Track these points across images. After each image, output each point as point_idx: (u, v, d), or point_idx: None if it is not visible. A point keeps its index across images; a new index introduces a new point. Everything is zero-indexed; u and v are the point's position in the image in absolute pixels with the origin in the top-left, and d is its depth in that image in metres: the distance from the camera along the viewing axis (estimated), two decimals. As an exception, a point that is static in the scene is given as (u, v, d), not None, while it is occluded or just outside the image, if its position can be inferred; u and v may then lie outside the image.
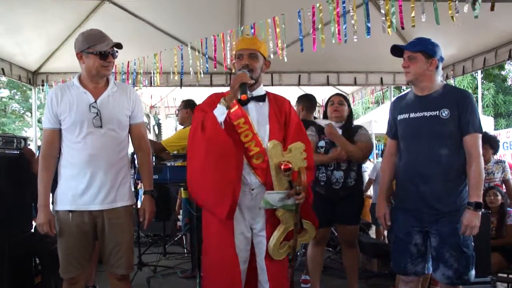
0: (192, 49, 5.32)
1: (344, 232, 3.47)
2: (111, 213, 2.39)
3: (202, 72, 5.45)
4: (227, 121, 2.26)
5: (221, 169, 2.18)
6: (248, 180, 2.33)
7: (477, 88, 16.15)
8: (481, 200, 2.34)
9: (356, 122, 4.76)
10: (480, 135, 2.40)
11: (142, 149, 2.59)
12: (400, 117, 2.57)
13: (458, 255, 2.37)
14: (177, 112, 4.89)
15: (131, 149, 2.66)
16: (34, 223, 3.37)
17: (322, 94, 8.12)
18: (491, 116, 16.88)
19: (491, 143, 4.30)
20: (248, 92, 2.30)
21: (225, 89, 2.32)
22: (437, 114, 2.40)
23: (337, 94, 3.64)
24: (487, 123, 9.94)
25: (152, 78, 5.97)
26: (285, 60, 4.54)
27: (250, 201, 2.32)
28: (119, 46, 2.41)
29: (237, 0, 4.95)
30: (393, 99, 3.63)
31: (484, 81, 18.42)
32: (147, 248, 4.99)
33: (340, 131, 3.35)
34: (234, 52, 2.52)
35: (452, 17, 3.26)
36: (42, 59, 5.90)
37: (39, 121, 9.11)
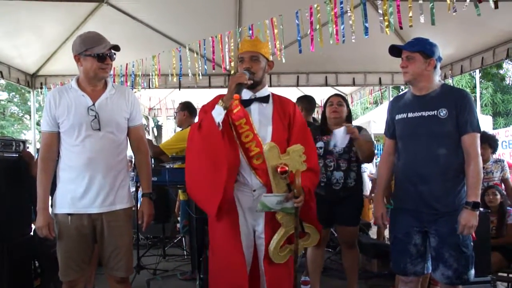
0: (190, 51, 5.33)
1: (344, 233, 3.47)
2: (110, 216, 2.38)
3: (200, 74, 5.46)
4: (226, 121, 2.28)
5: (213, 167, 2.20)
6: (249, 181, 2.33)
7: (475, 87, 16.20)
8: (479, 200, 2.34)
9: (355, 123, 4.76)
10: (478, 135, 2.40)
11: (140, 151, 2.59)
12: (398, 116, 2.57)
13: (458, 255, 2.37)
14: (175, 114, 4.90)
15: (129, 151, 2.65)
16: (33, 226, 3.37)
17: (320, 94, 8.13)
18: (490, 115, 16.89)
19: (490, 143, 4.30)
20: (252, 93, 2.36)
21: (225, 91, 2.31)
22: (435, 113, 2.40)
23: (336, 95, 3.63)
24: (485, 122, 9.94)
25: (150, 80, 5.97)
26: (283, 61, 4.54)
27: (252, 202, 2.32)
28: (116, 48, 2.40)
29: (235, 1, 4.96)
30: (391, 99, 3.64)
31: (482, 80, 18.46)
32: (147, 250, 4.98)
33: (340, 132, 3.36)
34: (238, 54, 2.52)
35: (452, 11, 3.25)
36: (41, 62, 5.90)
37: (38, 124, 9.09)
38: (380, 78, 6.72)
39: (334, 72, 6.64)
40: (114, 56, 2.43)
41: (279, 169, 2.16)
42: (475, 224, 2.31)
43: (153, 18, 5.21)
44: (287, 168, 2.16)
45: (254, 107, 2.38)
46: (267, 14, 4.48)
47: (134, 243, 4.65)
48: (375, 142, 4.02)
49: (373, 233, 6.12)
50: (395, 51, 2.56)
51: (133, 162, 5.78)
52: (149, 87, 6.35)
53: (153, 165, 4.29)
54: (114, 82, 5.30)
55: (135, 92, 6.62)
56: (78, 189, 2.33)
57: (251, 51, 2.37)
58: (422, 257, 2.50)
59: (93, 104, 2.36)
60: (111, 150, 2.40)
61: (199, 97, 7.97)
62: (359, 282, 3.73)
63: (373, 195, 5.74)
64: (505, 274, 3.90)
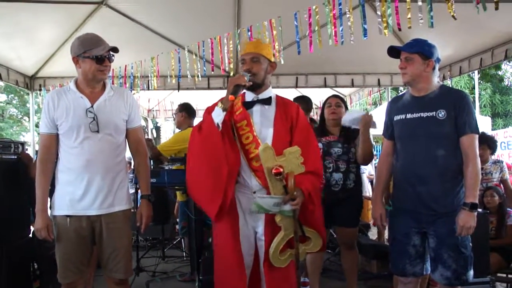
0: (189, 53, 5.33)
1: (343, 234, 3.46)
2: (109, 218, 2.38)
3: (199, 75, 5.46)
4: (228, 123, 2.30)
5: (213, 169, 2.22)
6: (249, 182, 2.34)
7: (474, 88, 16.21)
8: (477, 201, 2.34)
9: (353, 124, 4.75)
10: (477, 136, 2.40)
11: (139, 153, 2.59)
12: (396, 117, 2.58)
13: (456, 256, 2.37)
14: (174, 115, 4.91)
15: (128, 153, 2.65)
16: (32, 228, 3.36)
17: (319, 96, 8.13)
18: (489, 116, 16.92)
19: (489, 143, 4.31)
20: (254, 95, 2.38)
21: (223, 92, 2.31)
22: (434, 115, 2.40)
23: (334, 96, 3.62)
24: (484, 123, 9.96)
25: (149, 81, 5.98)
26: (282, 62, 4.55)
27: (252, 204, 2.32)
28: (115, 50, 2.40)
29: (234, 3, 4.96)
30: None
31: (481, 81, 18.48)
32: (146, 252, 4.97)
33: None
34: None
35: (453, 16, 3.25)
36: (39, 64, 5.90)
37: (37, 125, 9.08)
38: (379, 79, 6.73)
39: (333, 74, 6.65)
40: (113, 58, 2.43)
41: (273, 171, 2.16)
42: (473, 225, 2.31)
43: (152, 20, 5.21)
44: (281, 170, 2.15)
45: (256, 108, 2.39)
46: (265, 15, 4.49)
47: (133, 245, 4.69)
48: (374, 143, 4.02)
49: (372, 234, 6.12)
50: (393, 52, 2.57)
51: (132, 164, 5.78)
52: (148, 89, 6.35)
53: (152, 167, 4.30)
54: (113, 83, 5.33)
55: (134, 93, 6.62)
56: (77, 191, 2.33)
57: (252, 53, 2.38)
58: (421, 258, 2.50)
59: (92, 106, 2.36)
60: (109, 152, 2.39)
61: (198, 99, 7.97)
62: (359, 283, 3.72)
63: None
64: (504, 275, 3.90)
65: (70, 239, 2.34)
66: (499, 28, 4.71)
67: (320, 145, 3.36)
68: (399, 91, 13.76)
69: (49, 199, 2.45)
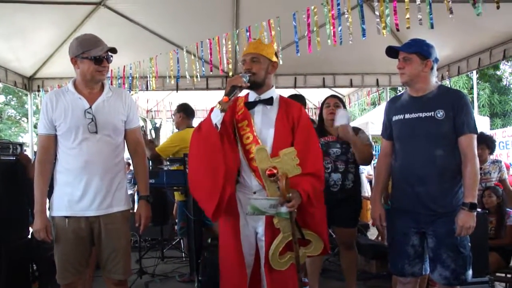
0: (187, 53, 5.33)
1: (342, 235, 3.46)
2: (108, 219, 2.38)
3: (198, 76, 5.45)
4: (230, 123, 2.32)
5: (211, 169, 2.22)
6: (249, 182, 2.34)
7: (472, 88, 16.24)
8: (476, 201, 2.34)
9: (352, 124, 4.75)
10: (475, 136, 2.40)
11: (137, 154, 2.58)
12: (395, 118, 2.57)
13: (455, 256, 2.37)
14: (173, 116, 4.92)
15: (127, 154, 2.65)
16: (31, 229, 3.36)
17: (318, 96, 8.14)
18: (487, 116, 16.95)
19: (487, 143, 4.31)
20: (256, 95, 2.38)
21: (222, 92, 2.32)
22: (432, 115, 2.40)
23: (332, 96, 3.62)
24: (483, 123, 9.98)
25: (148, 82, 5.98)
26: (281, 62, 4.53)
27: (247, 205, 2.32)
28: (113, 50, 2.40)
29: (233, 3, 4.97)
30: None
31: (480, 81, 18.51)
32: (145, 253, 4.97)
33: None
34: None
35: (449, 9, 3.26)
36: (38, 65, 5.90)
37: (35, 126, 9.07)
38: (377, 80, 6.74)
39: (332, 74, 6.66)
40: (111, 58, 2.42)
41: (267, 172, 2.15)
42: (473, 225, 2.31)
43: (150, 20, 5.21)
44: (274, 171, 2.14)
45: (258, 109, 2.39)
46: (264, 16, 4.49)
47: (135, 246, 4.69)
48: (373, 143, 4.02)
49: (371, 234, 6.12)
50: (392, 52, 2.57)
51: (130, 165, 5.78)
52: (147, 89, 6.35)
53: (151, 167, 4.30)
54: (111, 84, 5.33)
55: (132, 94, 6.62)
56: (76, 192, 2.33)
57: (252, 53, 2.38)
58: (420, 258, 2.50)
59: (90, 107, 2.36)
60: (108, 153, 2.39)
61: (197, 99, 7.98)
62: (358, 283, 3.72)
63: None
64: (503, 274, 3.90)
65: (69, 240, 2.34)
66: (498, 28, 4.72)
67: (318, 145, 3.37)
68: (398, 91, 13.80)
69: (47, 200, 2.45)
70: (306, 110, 6.10)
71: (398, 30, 3.86)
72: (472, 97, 15.35)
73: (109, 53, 2.40)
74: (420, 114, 2.45)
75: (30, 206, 2.92)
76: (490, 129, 12.48)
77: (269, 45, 2.47)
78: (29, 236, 3.47)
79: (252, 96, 2.43)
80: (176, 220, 4.97)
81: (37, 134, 2.55)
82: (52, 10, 4.67)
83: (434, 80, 2.52)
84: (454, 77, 6.40)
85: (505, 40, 4.89)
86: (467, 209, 2.31)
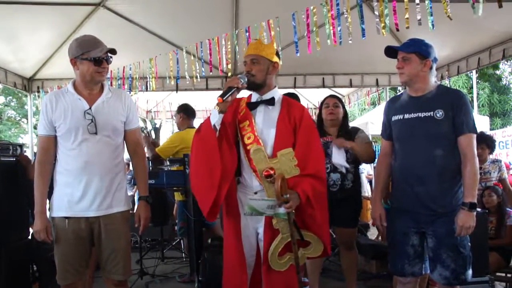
0: (187, 53, 5.33)
1: (342, 235, 3.46)
2: (107, 219, 2.38)
3: (198, 76, 5.46)
4: (232, 124, 2.33)
5: (208, 169, 2.24)
6: (250, 183, 2.35)
7: (472, 88, 16.23)
8: (475, 201, 2.34)
9: (352, 124, 4.77)
10: (475, 136, 2.41)
11: (137, 154, 2.59)
12: (394, 118, 2.58)
13: (455, 256, 2.37)
14: (174, 117, 4.92)
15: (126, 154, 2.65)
16: (31, 230, 3.36)
17: (317, 96, 8.13)
18: (487, 115, 16.93)
19: (487, 143, 4.31)
20: (258, 95, 2.40)
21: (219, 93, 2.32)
22: (432, 115, 2.40)
23: (331, 96, 3.62)
24: (482, 123, 9.97)
25: (148, 83, 5.98)
26: (280, 63, 4.53)
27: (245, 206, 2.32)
28: (113, 51, 2.40)
29: (232, 3, 4.97)
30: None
31: (479, 81, 18.50)
32: (145, 253, 4.97)
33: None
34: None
35: (448, 16, 3.27)
36: (37, 66, 5.90)
37: (35, 127, 9.08)
38: (377, 79, 6.74)
39: (331, 74, 6.66)
40: (111, 59, 2.43)
41: (264, 173, 2.15)
42: (473, 225, 2.31)
43: (150, 21, 5.21)
44: (271, 172, 2.14)
45: (260, 109, 2.40)
46: (263, 16, 4.49)
47: (136, 246, 4.69)
48: (373, 143, 4.01)
49: (372, 234, 6.12)
50: (391, 52, 2.57)
51: (130, 165, 5.77)
52: (147, 90, 6.35)
53: (150, 168, 4.31)
54: (111, 85, 5.33)
55: (132, 95, 6.62)
56: (75, 193, 2.33)
57: (252, 54, 2.38)
58: (419, 257, 2.50)
59: (90, 108, 2.36)
60: (107, 153, 2.40)
61: (197, 100, 7.97)
62: (358, 283, 3.73)
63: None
64: (503, 274, 3.90)
65: (69, 240, 2.34)
66: (497, 27, 4.72)
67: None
68: (398, 91, 13.80)
69: (48, 201, 2.45)
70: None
71: (397, 30, 3.87)
72: (472, 97, 15.35)
73: (109, 54, 2.40)
74: (420, 114, 2.45)
75: (30, 207, 2.92)
76: (490, 129, 12.48)
77: (269, 46, 2.47)
78: (30, 237, 3.47)
79: (255, 96, 2.44)
80: (176, 221, 4.97)
81: (37, 135, 2.55)
82: (52, 11, 4.67)
83: (433, 80, 2.52)
84: (453, 77, 6.40)
85: (504, 39, 4.89)
86: (467, 209, 2.31)
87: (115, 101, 2.46)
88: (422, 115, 2.43)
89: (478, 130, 2.53)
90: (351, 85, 6.91)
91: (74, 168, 2.33)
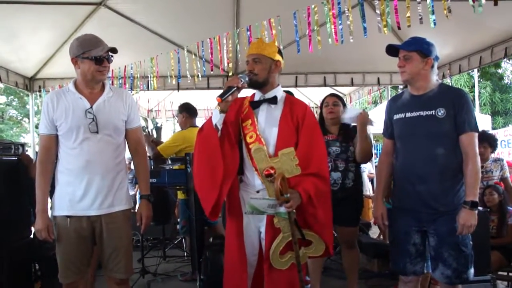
0: (188, 53, 5.33)
1: (344, 233, 3.46)
2: (109, 218, 2.39)
3: (199, 75, 5.45)
4: (235, 123, 2.34)
5: (210, 168, 2.24)
6: (252, 181, 2.35)
7: (474, 86, 16.22)
8: (477, 199, 2.34)
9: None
10: (476, 134, 2.40)
11: (138, 153, 2.59)
12: (396, 116, 2.57)
13: (457, 254, 2.37)
14: (176, 117, 4.93)
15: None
16: (33, 229, 3.36)
17: (319, 95, 8.12)
18: (488, 114, 16.90)
19: (489, 142, 4.30)
20: (261, 94, 2.41)
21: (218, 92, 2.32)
22: (433, 113, 2.40)
23: (331, 95, 3.62)
24: (484, 122, 9.96)
25: (149, 82, 5.97)
26: (283, 61, 4.53)
27: (246, 204, 2.32)
28: (114, 50, 2.40)
29: (233, 2, 4.96)
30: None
31: (481, 80, 18.47)
32: (147, 252, 4.98)
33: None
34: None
35: (446, 16, 3.27)
36: (39, 65, 5.90)
37: (37, 127, 9.08)
38: (378, 78, 6.72)
39: (333, 73, 6.64)
40: (112, 58, 2.43)
41: (264, 172, 2.16)
42: (474, 224, 2.31)
43: (151, 20, 5.21)
44: (272, 172, 2.14)
45: (263, 108, 2.40)
46: (265, 15, 4.49)
47: (138, 245, 4.70)
48: (374, 142, 4.01)
49: (373, 233, 6.12)
50: (392, 50, 2.56)
51: (132, 164, 5.78)
52: (148, 89, 6.35)
53: (152, 167, 4.31)
54: (112, 84, 5.33)
55: (133, 94, 6.62)
56: (77, 192, 2.34)
57: (253, 54, 2.39)
58: (421, 256, 2.50)
59: (91, 107, 2.37)
60: (109, 152, 2.40)
61: (198, 99, 7.96)
62: (360, 282, 3.73)
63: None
64: (505, 273, 3.90)
65: (70, 239, 2.35)
66: (499, 26, 4.70)
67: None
68: (399, 90, 13.78)
69: (49, 200, 2.45)
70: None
71: (399, 28, 3.86)
72: (474, 96, 15.34)
73: (110, 53, 2.40)
74: (421, 113, 2.45)
75: (32, 206, 2.93)
76: (492, 127, 12.46)
77: (271, 44, 2.47)
78: (32, 236, 3.47)
79: (258, 95, 2.45)
80: (178, 219, 4.98)
81: (38, 135, 2.55)
82: (53, 11, 4.67)
83: (434, 78, 2.52)
84: (455, 76, 6.38)
85: (506, 38, 4.87)
86: (469, 207, 2.31)
87: (116, 100, 2.46)
88: (424, 114, 2.43)
89: (480, 129, 2.53)
90: (352, 84, 6.89)
91: (76, 167, 2.34)
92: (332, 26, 3.99)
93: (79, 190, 2.34)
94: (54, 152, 2.41)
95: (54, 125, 2.37)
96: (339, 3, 3.90)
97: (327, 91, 6.94)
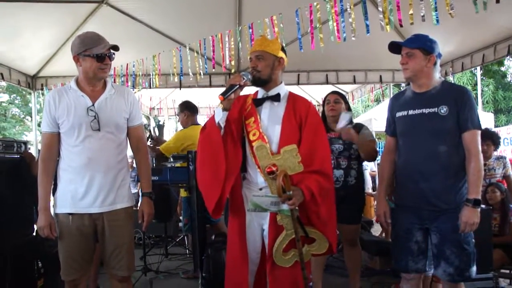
0: (190, 50, 5.33)
1: (346, 231, 3.46)
2: (111, 215, 2.39)
3: (201, 73, 5.45)
4: (238, 120, 2.34)
5: (213, 166, 2.25)
6: (255, 179, 2.35)
7: (476, 84, 16.15)
8: (479, 197, 2.33)
9: (356, 120, 4.76)
10: (479, 132, 2.39)
11: (140, 151, 2.60)
12: (398, 114, 2.57)
13: (459, 252, 2.36)
14: (177, 116, 4.93)
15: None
16: (35, 227, 3.37)
17: (321, 92, 8.11)
18: (491, 112, 16.85)
19: (493, 139, 4.29)
20: (264, 91, 2.40)
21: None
22: (436, 111, 2.39)
23: (333, 92, 3.61)
24: (487, 120, 9.91)
25: (151, 79, 5.97)
26: (286, 58, 4.53)
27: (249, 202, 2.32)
28: (115, 48, 2.40)
29: (235, 0, 4.95)
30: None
31: (484, 77, 18.40)
32: (149, 250, 4.99)
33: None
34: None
35: (450, 13, 3.26)
36: (41, 63, 5.90)
37: (39, 125, 9.11)
38: (380, 76, 6.70)
39: (335, 70, 6.63)
40: (113, 56, 2.43)
41: (266, 169, 2.15)
42: (477, 221, 2.31)
43: (153, 18, 5.21)
44: (274, 169, 2.14)
45: (266, 105, 2.40)
46: (267, 12, 4.48)
47: (140, 243, 4.71)
48: (377, 140, 4.01)
49: (375, 230, 6.12)
50: (395, 47, 2.56)
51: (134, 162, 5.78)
52: (150, 87, 6.35)
53: (154, 165, 4.32)
54: (114, 82, 5.33)
55: (135, 92, 6.63)
56: (79, 189, 2.34)
57: (257, 51, 2.39)
58: (423, 254, 2.49)
59: (93, 105, 2.37)
60: (111, 150, 2.41)
61: (200, 96, 7.96)
62: (362, 280, 3.73)
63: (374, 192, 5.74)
64: (507, 271, 3.89)
65: (73, 236, 2.36)
66: (502, 23, 4.68)
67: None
68: (401, 87, 13.74)
69: (52, 197, 2.46)
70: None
71: (401, 26, 3.85)
72: (476, 94, 15.28)
73: (111, 51, 2.40)
74: (424, 110, 2.44)
75: (34, 204, 2.94)
76: (494, 125, 12.42)
77: (275, 41, 2.47)
78: (34, 234, 3.48)
79: (261, 93, 2.45)
80: (181, 217, 4.98)
81: (41, 133, 2.56)
82: (55, 9, 4.68)
83: (437, 75, 2.51)
84: (458, 73, 6.35)
85: (509, 35, 4.85)
86: (471, 205, 2.30)
87: (118, 98, 2.47)
88: (426, 111, 2.42)
89: (483, 127, 2.52)
90: (354, 82, 6.88)
91: (78, 164, 2.34)
92: (334, 24, 3.98)
93: (81, 187, 2.34)
94: (56, 150, 2.41)
95: (56, 123, 2.37)
96: (341, 1, 3.89)
97: (329, 88, 6.94)
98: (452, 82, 4.27)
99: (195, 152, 2.99)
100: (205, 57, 5.36)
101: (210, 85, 6.43)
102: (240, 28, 4.96)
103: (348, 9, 3.89)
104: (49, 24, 4.97)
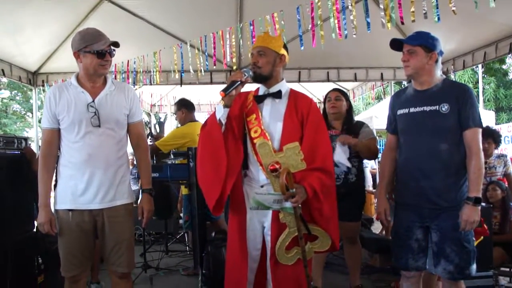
0: (191, 47, 5.32)
1: (346, 229, 3.44)
2: (111, 212, 2.39)
3: (202, 70, 5.45)
4: (239, 117, 2.33)
5: (214, 163, 2.24)
6: (256, 176, 2.35)
7: (478, 82, 16.12)
8: (480, 195, 2.33)
9: (357, 118, 4.75)
10: (480, 130, 2.39)
11: (140, 147, 2.60)
12: (399, 112, 2.56)
13: (459, 250, 2.36)
14: (175, 114, 4.92)
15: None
16: (36, 223, 3.38)
17: (322, 90, 8.10)
18: (492, 110, 16.83)
19: (494, 137, 4.29)
20: (266, 88, 2.40)
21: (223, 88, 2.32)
22: (437, 108, 2.39)
23: (334, 90, 3.61)
24: (488, 118, 9.91)
25: (152, 76, 5.96)
26: (288, 56, 4.52)
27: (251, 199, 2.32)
28: (116, 44, 2.40)
29: (236, -3, 4.95)
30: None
31: (485, 75, 18.37)
32: (150, 246, 5.00)
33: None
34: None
35: (452, 11, 3.24)
36: (42, 60, 5.90)
37: (40, 121, 9.11)
38: (382, 74, 6.68)
39: (336, 68, 6.61)
40: (114, 52, 2.43)
41: (269, 167, 2.15)
42: (477, 220, 2.31)
43: (154, 15, 5.20)
44: (277, 167, 2.13)
45: (267, 102, 2.40)
46: (268, 9, 4.47)
47: (140, 240, 4.71)
48: (377, 137, 4.00)
49: (375, 228, 6.12)
50: (396, 45, 2.55)
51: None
52: (151, 84, 6.34)
53: (155, 161, 4.32)
54: (115, 78, 5.33)
55: (136, 88, 6.63)
56: (79, 185, 2.35)
57: (259, 46, 2.39)
58: (423, 252, 2.49)
59: (93, 101, 2.37)
60: (111, 146, 2.41)
61: (201, 93, 7.95)
62: (362, 277, 3.73)
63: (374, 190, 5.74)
64: (507, 269, 3.90)
65: (73, 233, 2.36)
66: (503, 21, 4.66)
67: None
68: (402, 85, 13.71)
69: (52, 194, 2.46)
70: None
71: (403, 23, 3.84)
72: (478, 92, 15.24)
73: (112, 47, 2.40)
74: (425, 108, 2.44)
75: (35, 200, 2.94)
76: (496, 123, 12.41)
77: (277, 38, 2.46)
78: (35, 230, 3.49)
79: (262, 89, 2.44)
80: (181, 214, 4.99)
81: (42, 129, 2.56)
82: (56, 5, 4.67)
83: (439, 73, 2.50)
84: (459, 71, 6.34)
85: (511, 33, 4.83)
86: (472, 203, 2.30)
87: (118, 94, 2.47)
88: (428, 109, 2.42)
89: (484, 125, 2.51)
90: (355, 79, 6.86)
91: (78, 160, 2.34)
92: (336, 21, 3.97)
93: (81, 183, 2.34)
94: (56, 146, 2.41)
95: (56, 119, 2.37)
96: (342, -2, 3.88)
97: (330, 86, 6.92)
98: (453, 79, 4.27)
99: (195, 149, 2.99)
100: (206, 54, 5.35)
101: (211, 82, 6.43)
102: (241, 25, 4.95)
103: (349, 6, 3.87)
104: (50, 20, 4.96)
